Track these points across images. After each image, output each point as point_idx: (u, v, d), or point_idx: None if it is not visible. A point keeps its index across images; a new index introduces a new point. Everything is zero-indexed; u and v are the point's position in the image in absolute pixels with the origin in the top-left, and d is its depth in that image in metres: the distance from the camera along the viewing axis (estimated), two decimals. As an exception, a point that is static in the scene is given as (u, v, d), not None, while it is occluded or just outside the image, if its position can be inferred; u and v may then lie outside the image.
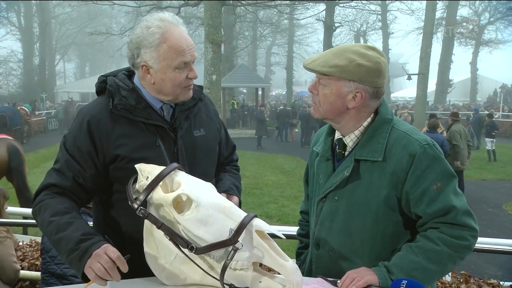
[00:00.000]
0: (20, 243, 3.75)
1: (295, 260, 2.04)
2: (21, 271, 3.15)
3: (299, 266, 1.98)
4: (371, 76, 1.66)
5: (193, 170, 1.78)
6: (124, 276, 1.70)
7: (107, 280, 1.50)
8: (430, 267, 1.62)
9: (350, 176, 1.71)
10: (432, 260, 1.62)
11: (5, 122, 17.77)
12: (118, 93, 1.77)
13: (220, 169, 2.06)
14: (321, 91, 1.71)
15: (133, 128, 1.76)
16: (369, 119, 1.74)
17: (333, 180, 1.75)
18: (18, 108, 20.84)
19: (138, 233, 1.62)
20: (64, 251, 1.59)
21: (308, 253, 1.94)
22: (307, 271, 1.89)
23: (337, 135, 1.81)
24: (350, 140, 1.76)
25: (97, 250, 1.51)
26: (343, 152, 1.78)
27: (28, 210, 4.20)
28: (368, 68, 1.65)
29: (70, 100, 32.49)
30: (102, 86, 1.83)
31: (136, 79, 1.84)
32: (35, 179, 11.77)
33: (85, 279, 1.55)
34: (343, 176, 1.72)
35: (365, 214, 1.70)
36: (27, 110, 22.50)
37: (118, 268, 1.50)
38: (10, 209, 3.55)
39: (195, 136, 1.88)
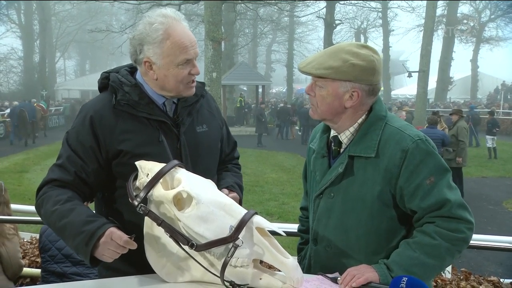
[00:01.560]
0: (21, 240, 3.76)
1: (296, 256, 2.05)
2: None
3: (300, 262, 2.00)
4: (365, 74, 1.67)
5: (196, 166, 1.80)
6: (124, 273, 1.71)
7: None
8: (428, 262, 1.63)
9: (345, 172, 1.73)
10: (430, 254, 1.63)
11: (24, 116, 19.64)
12: (121, 89, 1.77)
13: (222, 167, 2.06)
14: (318, 93, 1.73)
15: (136, 123, 1.76)
16: (363, 116, 1.76)
17: (328, 177, 1.77)
18: (35, 104, 22.78)
19: (141, 229, 1.62)
20: (69, 236, 1.60)
21: (308, 249, 1.95)
22: (307, 267, 1.91)
23: (333, 132, 1.82)
24: (345, 137, 1.77)
25: (103, 239, 1.53)
26: (338, 149, 1.79)
27: (28, 207, 4.21)
28: (362, 67, 1.66)
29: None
30: (105, 82, 1.84)
31: (138, 75, 1.84)
32: (35, 177, 11.81)
33: (94, 264, 1.58)
34: (337, 172, 1.74)
35: (360, 210, 1.71)
36: (43, 106, 24.14)
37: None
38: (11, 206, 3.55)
39: (198, 132, 1.88)
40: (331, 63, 1.67)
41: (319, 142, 1.87)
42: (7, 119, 21.69)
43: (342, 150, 1.78)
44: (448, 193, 1.64)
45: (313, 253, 1.87)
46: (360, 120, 1.75)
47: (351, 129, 1.76)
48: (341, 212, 1.75)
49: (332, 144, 1.82)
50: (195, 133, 1.87)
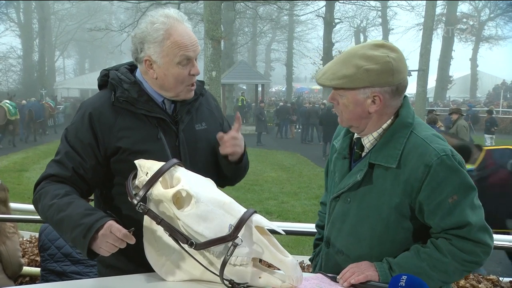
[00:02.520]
0: (20, 239, 3.75)
1: (295, 255, 2.03)
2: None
3: (314, 258, 1.98)
4: (383, 77, 1.59)
5: (195, 163, 1.80)
6: (124, 271, 1.71)
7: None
8: (433, 275, 1.60)
9: (363, 180, 1.67)
10: (436, 269, 1.60)
11: (31, 116, 20.67)
12: (120, 86, 1.78)
13: None
14: (340, 101, 1.67)
15: (135, 120, 1.77)
16: (389, 121, 1.68)
17: (346, 181, 1.72)
18: (44, 102, 24.19)
19: (140, 227, 1.62)
20: (67, 229, 1.60)
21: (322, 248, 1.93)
22: (319, 266, 1.89)
23: (356, 134, 1.77)
24: (368, 141, 1.71)
25: (102, 231, 1.52)
26: (360, 152, 1.74)
27: (27, 206, 4.20)
28: (377, 71, 1.58)
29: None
30: (104, 80, 1.84)
31: (138, 73, 1.85)
32: (34, 175, 11.80)
33: (91, 256, 1.57)
34: (355, 179, 1.68)
35: (375, 219, 1.66)
36: (51, 104, 25.34)
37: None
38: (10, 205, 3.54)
39: (197, 129, 1.89)
40: (344, 72, 1.60)
41: (342, 142, 1.82)
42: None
43: (363, 154, 1.72)
44: (470, 214, 1.57)
45: (324, 256, 1.85)
46: (384, 126, 1.67)
47: (375, 134, 1.69)
48: (356, 219, 1.71)
49: (355, 146, 1.76)
50: (194, 131, 1.87)
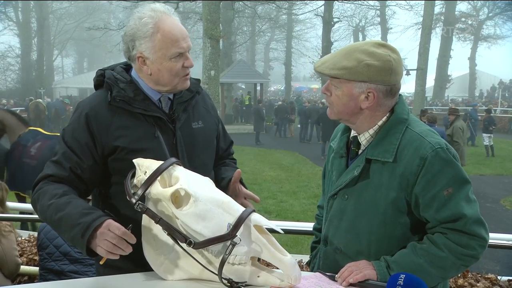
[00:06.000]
0: (19, 239, 3.75)
1: (294, 254, 2.04)
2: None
3: (311, 260, 1.98)
4: (381, 75, 1.62)
5: (192, 161, 1.80)
6: (123, 270, 1.71)
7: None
8: (430, 271, 1.61)
9: (360, 175, 1.69)
10: (434, 264, 1.60)
11: (58, 114, 23.63)
12: (116, 86, 1.78)
13: (220, 162, 2.07)
14: (334, 92, 1.69)
15: (132, 119, 1.77)
16: (384, 118, 1.71)
17: (343, 178, 1.74)
18: (63, 101, 27.53)
19: (138, 225, 1.62)
20: (65, 229, 1.60)
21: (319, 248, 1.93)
22: (317, 265, 1.89)
23: (353, 132, 1.79)
24: (364, 139, 1.73)
25: (100, 229, 1.52)
26: (357, 150, 1.76)
27: (26, 205, 4.20)
28: (377, 67, 1.61)
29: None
30: (100, 80, 1.84)
31: (133, 72, 1.85)
32: (33, 175, 11.78)
33: (90, 255, 1.57)
34: (352, 175, 1.70)
35: (372, 214, 1.67)
36: (68, 103, 27.89)
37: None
38: (8, 204, 3.54)
39: (194, 128, 1.89)
40: (345, 64, 1.63)
41: (339, 141, 1.84)
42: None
43: (360, 151, 1.74)
44: (466, 207, 1.59)
45: (322, 254, 1.85)
46: (380, 122, 1.70)
47: (371, 131, 1.71)
48: (354, 215, 1.72)
49: (352, 144, 1.79)
50: (191, 129, 1.88)
